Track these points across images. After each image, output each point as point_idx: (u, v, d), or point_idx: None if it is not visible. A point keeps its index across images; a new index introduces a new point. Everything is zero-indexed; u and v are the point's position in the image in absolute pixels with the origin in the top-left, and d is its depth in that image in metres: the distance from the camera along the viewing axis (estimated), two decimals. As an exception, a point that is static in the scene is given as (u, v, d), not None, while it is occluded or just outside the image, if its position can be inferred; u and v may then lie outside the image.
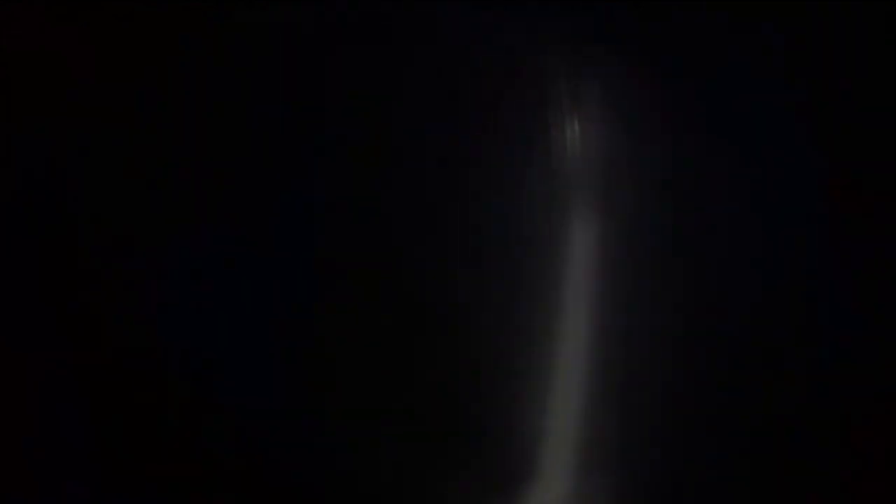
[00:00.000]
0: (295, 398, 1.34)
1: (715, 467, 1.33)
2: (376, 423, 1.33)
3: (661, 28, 1.35)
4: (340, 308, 1.34)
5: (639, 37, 1.35)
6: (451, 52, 1.35)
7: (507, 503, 1.33)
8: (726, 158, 1.35)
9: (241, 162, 1.36)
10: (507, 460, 1.32)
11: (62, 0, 1.36)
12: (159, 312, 1.36)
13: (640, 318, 1.34)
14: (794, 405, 1.34)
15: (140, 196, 1.36)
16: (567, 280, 1.34)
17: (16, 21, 1.37)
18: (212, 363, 1.35)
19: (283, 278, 1.35)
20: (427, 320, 1.34)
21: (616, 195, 1.34)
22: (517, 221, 1.34)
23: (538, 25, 1.35)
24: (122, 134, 1.36)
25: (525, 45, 1.35)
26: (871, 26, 1.35)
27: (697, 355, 1.34)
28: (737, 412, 1.33)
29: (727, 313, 1.34)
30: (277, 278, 1.35)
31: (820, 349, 1.35)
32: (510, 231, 1.34)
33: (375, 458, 1.33)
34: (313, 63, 1.36)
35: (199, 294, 1.35)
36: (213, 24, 1.36)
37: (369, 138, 1.35)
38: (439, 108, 1.35)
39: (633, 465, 1.33)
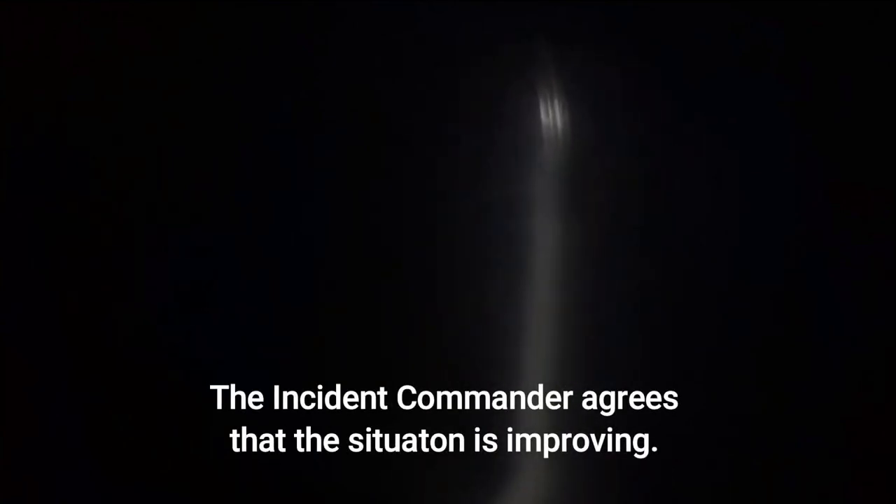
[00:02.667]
0: (289, 395, 1.34)
1: (693, 456, 1.34)
2: (363, 419, 1.33)
3: (647, 19, 1.35)
4: (330, 304, 1.35)
5: (623, 28, 1.35)
6: (433, 43, 1.35)
7: (485, 496, 1.33)
8: (709, 152, 1.35)
9: (236, 159, 1.36)
10: (484, 453, 1.33)
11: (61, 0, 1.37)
12: (158, 311, 1.36)
13: (614, 314, 1.34)
14: (774, 403, 1.34)
15: (139, 195, 1.36)
16: (542, 273, 1.34)
17: (16, 21, 1.37)
18: (210, 362, 1.35)
19: (277, 276, 1.35)
20: (405, 314, 1.34)
21: (598, 188, 1.34)
22: (494, 212, 1.34)
23: (521, 15, 1.35)
24: (121, 133, 1.36)
25: (508, 35, 1.35)
26: (871, 26, 1.35)
27: (669, 351, 1.34)
28: (714, 406, 1.34)
29: (702, 309, 1.34)
30: (272, 276, 1.35)
31: (802, 347, 1.35)
32: (487, 223, 1.34)
33: (364, 453, 1.33)
34: (301, 58, 1.36)
35: (197, 293, 1.35)
36: (206, 22, 1.36)
37: (354, 130, 1.35)
38: (420, 100, 1.35)
39: (608, 456, 1.33)
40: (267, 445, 1.34)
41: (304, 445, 1.33)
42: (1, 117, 1.37)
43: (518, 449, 1.33)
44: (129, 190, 1.36)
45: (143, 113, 1.36)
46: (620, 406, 1.33)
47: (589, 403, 1.33)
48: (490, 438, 1.33)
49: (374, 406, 1.33)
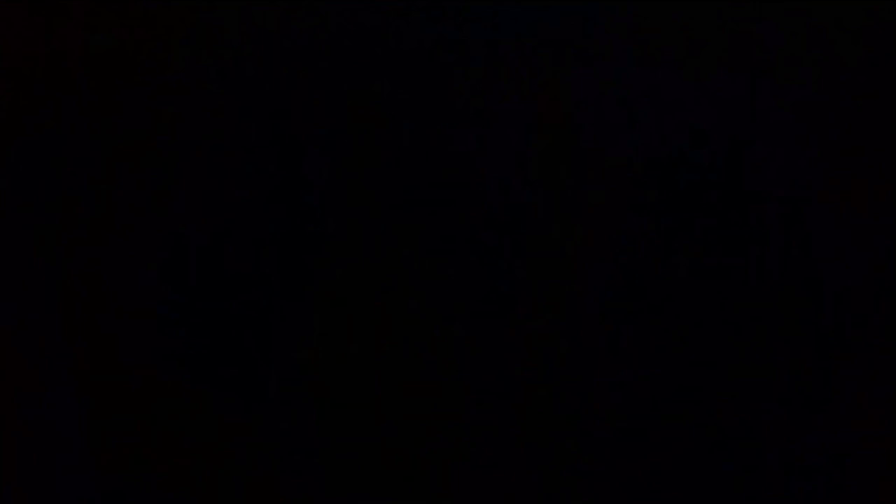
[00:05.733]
0: (288, 396, 1.34)
1: (693, 456, 1.33)
2: (365, 419, 1.33)
3: (660, 22, 1.35)
4: (335, 305, 1.35)
5: (638, 30, 1.36)
6: (447, 43, 1.35)
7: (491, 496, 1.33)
8: (723, 153, 1.35)
9: (239, 160, 1.36)
10: (493, 453, 1.33)
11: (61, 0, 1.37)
12: (159, 312, 1.36)
13: (615, 313, 1.34)
14: (774, 403, 1.34)
15: (140, 195, 1.36)
16: (543, 271, 1.34)
17: (16, 21, 1.37)
18: (210, 362, 1.35)
19: (276, 275, 1.35)
20: (417, 314, 1.34)
21: (611, 188, 1.35)
22: (510, 212, 1.34)
23: (537, 17, 1.35)
24: (120, 133, 1.37)
25: (523, 36, 1.35)
26: (871, 26, 1.35)
27: (691, 354, 1.34)
28: (715, 406, 1.33)
29: (723, 312, 1.34)
30: (271, 275, 1.35)
31: (805, 347, 1.34)
32: (503, 222, 1.35)
33: (364, 454, 1.33)
34: (308, 60, 1.36)
35: (198, 292, 1.35)
36: (210, 24, 1.37)
37: (362, 130, 1.35)
38: (434, 100, 1.35)
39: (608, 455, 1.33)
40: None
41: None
42: (2, 118, 1.37)
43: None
44: (129, 189, 1.36)
45: (143, 113, 1.36)
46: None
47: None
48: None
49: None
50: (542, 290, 1.35)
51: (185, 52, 1.36)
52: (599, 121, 1.35)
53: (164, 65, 1.36)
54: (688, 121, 1.35)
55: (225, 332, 1.35)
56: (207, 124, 1.36)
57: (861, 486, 1.33)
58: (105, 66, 1.36)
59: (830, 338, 1.34)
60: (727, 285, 1.35)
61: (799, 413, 1.34)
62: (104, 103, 1.37)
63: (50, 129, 1.36)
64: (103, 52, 1.36)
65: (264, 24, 1.36)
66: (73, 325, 1.35)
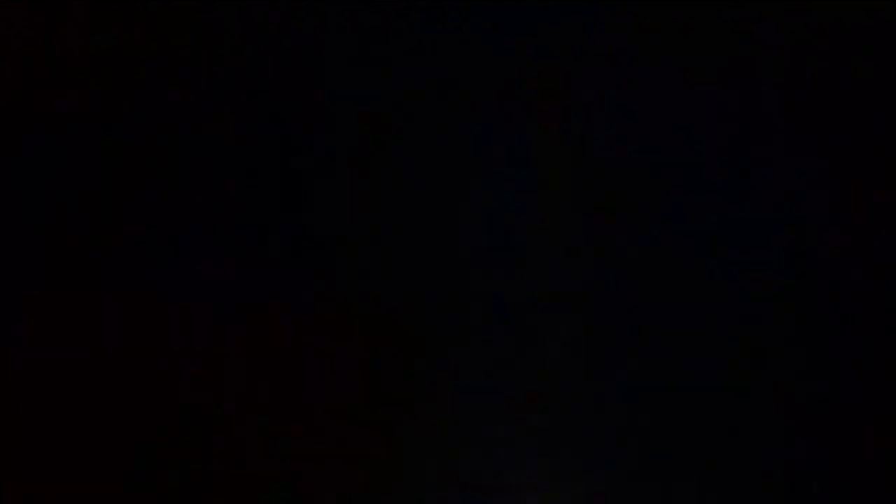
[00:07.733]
0: (286, 402, 1.34)
1: (707, 468, 1.33)
2: (362, 426, 1.33)
3: (662, 27, 1.36)
4: (333, 309, 1.35)
5: (639, 36, 1.36)
6: (452, 49, 1.36)
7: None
8: (724, 157, 1.36)
9: (239, 160, 1.36)
10: (496, 461, 1.33)
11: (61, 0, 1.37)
12: (159, 312, 1.36)
13: (634, 318, 1.34)
14: (791, 407, 1.34)
15: (140, 196, 1.36)
16: (561, 278, 1.34)
17: (16, 21, 1.37)
18: (208, 363, 1.35)
19: (279, 277, 1.35)
20: (416, 320, 1.34)
21: (614, 192, 1.35)
22: (512, 218, 1.35)
23: (539, 22, 1.36)
24: (121, 134, 1.37)
25: (526, 43, 1.36)
26: (871, 26, 1.36)
27: (693, 355, 1.34)
28: (732, 414, 1.33)
29: (724, 314, 1.34)
30: (272, 276, 1.35)
31: (819, 350, 1.34)
32: (504, 228, 1.35)
33: (362, 461, 1.33)
34: (311, 61, 1.36)
35: (197, 293, 1.35)
36: (210, 24, 1.37)
37: (363, 135, 1.35)
38: (438, 104, 1.35)
39: (626, 465, 1.33)
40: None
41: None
42: (2, 117, 1.37)
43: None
44: (129, 190, 1.36)
45: (144, 112, 1.36)
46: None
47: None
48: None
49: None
50: (543, 290, 1.35)
51: (185, 52, 1.36)
52: (599, 121, 1.36)
53: (164, 65, 1.36)
54: (688, 121, 1.36)
55: (224, 333, 1.35)
56: (208, 124, 1.36)
57: (861, 487, 1.33)
58: (105, 66, 1.36)
59: (830, 338, 1.35)
60: (727, 285, 1.35)
61: (798, 414, 1.34)
62: (104, 103, 1.37)
63: (50, 129, 1.36)
64: (103, 52, 1.36)
65: (264, 24, 1.36)
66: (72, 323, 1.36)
